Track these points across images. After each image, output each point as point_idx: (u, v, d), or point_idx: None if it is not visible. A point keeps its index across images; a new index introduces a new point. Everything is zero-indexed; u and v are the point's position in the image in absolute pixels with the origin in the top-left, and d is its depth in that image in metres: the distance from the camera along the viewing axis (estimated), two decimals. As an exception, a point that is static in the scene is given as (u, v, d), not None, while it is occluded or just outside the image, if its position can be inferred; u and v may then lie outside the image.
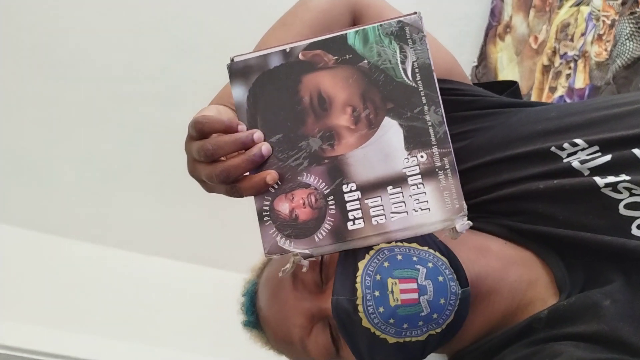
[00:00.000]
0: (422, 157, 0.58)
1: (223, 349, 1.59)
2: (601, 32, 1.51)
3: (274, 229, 0.60)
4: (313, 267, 0.69)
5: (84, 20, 1.87)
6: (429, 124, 0.57)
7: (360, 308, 0.63)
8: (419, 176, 0.57)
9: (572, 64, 1.63)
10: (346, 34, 0.59)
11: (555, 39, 1.70)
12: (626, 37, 1.39)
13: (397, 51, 0.58)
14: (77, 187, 1.97)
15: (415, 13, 0.59)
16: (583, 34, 1.60)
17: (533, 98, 1.75)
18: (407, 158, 0.58)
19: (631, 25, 1.39)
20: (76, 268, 1.90)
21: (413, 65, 0.58)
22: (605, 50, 1.49)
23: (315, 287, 0.69)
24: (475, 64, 2.02)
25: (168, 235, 2.01)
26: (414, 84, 0.58)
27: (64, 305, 1.81)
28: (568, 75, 1.65)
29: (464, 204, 0.56)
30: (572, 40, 1.65)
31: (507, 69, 1.87)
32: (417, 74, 0.58)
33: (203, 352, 1.81)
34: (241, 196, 0.60)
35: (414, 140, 0.58)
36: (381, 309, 0.62)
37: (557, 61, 1.70)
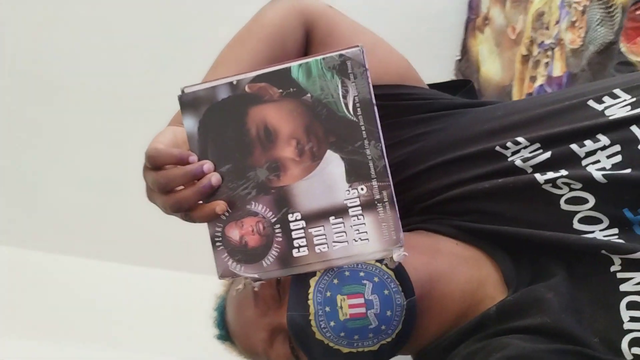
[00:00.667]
0: (362, 189, 0.60)
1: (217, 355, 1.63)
2: (574, 19, 1.51)
3: (226, 254, 0.63)
4: (270, 284, 0.73)
5: (82, 35, 1.87)
6: (369, 157, 0.60)
7: (313, 323, 0.67)
8: (359, 208, 0.60)
9: (549, 52, 1.64)
10: (290, 67, 0.61)
11: (531, 28, 1.70)
12: (597, 23, 1.40)
13: (339, 85, 0.60)
14: (63, 201, 1.98)
15: (357, 46, 0.60)
16: (557, 22, 1.60)
17: (515, 89, 1.76)
18: (349, 190, 0.60)
19: (601, 10, 1.39)
20: (68, 282, 1.91)
21: (354, 100, 0.59)
22: (579, 37, 1.49)
23: (273, 302, 0.73)
24: (459, 57, 2.02)
25: (157, 244, 2.02)
26: (355, 119, 0.60)
27: (57, 319, 1.82)
28: (546, 64, 1.66)
29: (401, 236, 0.59)
30: (547, 28, 1.65)
31: (488, 61, 1.88)
32: (358, 109, 0.59)
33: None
34: (194, 222, 0.63)
35: (355, 173, 0.60)
36: (332, 323, 0.67)
37: (535, 50, 1.71)
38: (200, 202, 0.62)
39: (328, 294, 0.67)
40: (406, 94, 0.82)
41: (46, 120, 1.93)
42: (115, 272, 1.97)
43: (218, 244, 0.63)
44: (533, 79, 1.72)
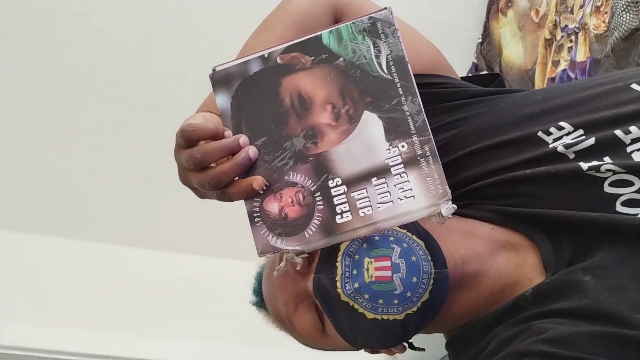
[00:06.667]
0: (403, 146, 0.59)
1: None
2: (599, 4, 1.49)
3: (265, 229, 0.62)
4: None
5: (103, 34, 1.94)
6: (407, 113, 0.59)
7: (338, 285, 0.66)
8: (402, 165, 0.59)
9: (573, 37, 1.62)
10: (321, 34, 0.61)
11: (555, 11, 1.68)
12: (622, 9, 1.38)
13: (371, 46, 0.59)
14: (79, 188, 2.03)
15: (385, 8, 0.60)
16: (582, 6, 1.58)
17: (537, 73, 1.74)
18: (389, 149, 0.59)
19: (626, -4, 1.37)
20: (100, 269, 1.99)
21: (387, 59, 0.59)
22: (604, 22, 1.47)
23: (301, 267, 0.71)
24: (480, 40, 2.00)
25: (182, 229, 2.06)
26: (389, 77, 0.59)
27: (89, 306, 1.90)
28: (570, 49, 1.64)
29: (448, 189, 0.58)
30: (572, 12, 1.63)
31: (510, 44, 1.86)
32: (392, 67, 0.59)
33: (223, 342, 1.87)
34: (232, 200, 0.62)
35: (394, 130, 0.59)
36: (356, 285, 0.65)
37: (559, 34, 1.69)
38: (237, 178, 0.61)
39: (356, 257, 0.66)
40: (438, 82, 0.81)
41: (49, 103, 1.97)
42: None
43: (257, 219, 0.62)
44: (556, 63, 1.69)
